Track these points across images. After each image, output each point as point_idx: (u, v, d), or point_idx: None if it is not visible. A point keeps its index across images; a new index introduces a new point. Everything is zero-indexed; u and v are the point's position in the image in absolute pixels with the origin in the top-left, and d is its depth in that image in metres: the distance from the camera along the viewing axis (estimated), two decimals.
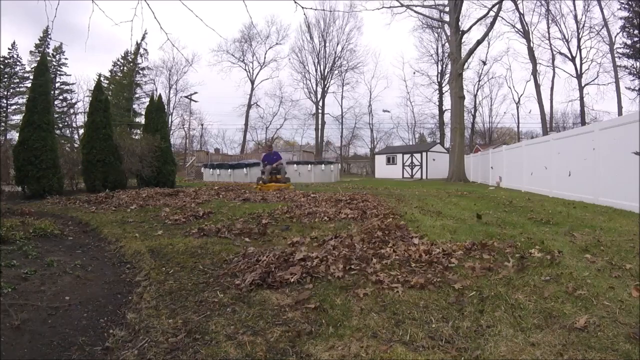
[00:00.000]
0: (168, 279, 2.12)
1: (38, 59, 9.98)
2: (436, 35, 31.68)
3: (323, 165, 18.68)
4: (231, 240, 3.08)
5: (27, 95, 8.57)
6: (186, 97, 32.53)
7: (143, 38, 32.70)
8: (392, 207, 5.10)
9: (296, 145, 41.78)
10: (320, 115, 35.39)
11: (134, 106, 33.35)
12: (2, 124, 29.42)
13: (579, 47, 26.26)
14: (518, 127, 35.27)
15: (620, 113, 22.06)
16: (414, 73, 33.70)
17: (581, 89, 26.55)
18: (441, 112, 33.24)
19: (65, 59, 31.95)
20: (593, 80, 26.36)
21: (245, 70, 37.76)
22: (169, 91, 36.85)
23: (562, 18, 27.02)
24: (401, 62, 71.64)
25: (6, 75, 29.56)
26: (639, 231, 3.59)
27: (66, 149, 9.78)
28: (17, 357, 1.33)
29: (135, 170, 9.16)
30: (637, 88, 23.05)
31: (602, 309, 1.72)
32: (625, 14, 22.41)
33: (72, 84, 33.45)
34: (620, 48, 23.22)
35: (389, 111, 34.51)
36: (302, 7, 3.53)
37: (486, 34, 16.26)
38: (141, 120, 26.09)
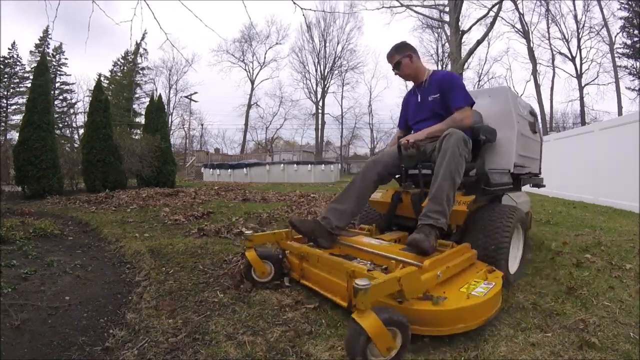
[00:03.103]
0: (168, 279, 2.12)
1: (38, 59, 9.96)
2: (436, 35, 31.65)
3: (323, 165, 18.69)
4: (231, 240, 3.08)
5: (27, 95, 8.56)
6: (186, 97, 32.53)
7: (143, 38, 32.73)
8: None
9: (296, 145, 41.80)
10: (320, 115, 35.38)
11: (134, 106, 33.36)
12: (2, 124, 29.41)
13: (579, 47, 26.27)
14: None
15: (620, 113, 22.06)
16: None
17: (581, 89, 26.56)
18: None
19: (65, 59, 31.98)
20: (593, 80, 26.38)
21: (245, 70, 37.80)
22: (169, 91, 36.87)
23: (562, 18, 27.08)
24: None
25: (6, 75, 29.55)
26: (639, 231, 3.59)
27: (66, 149, 9.78)
28: (17, 357, 1.33)
29: (135, 170, 9.16)
30: (637, 88, 23.04)
31: (602, 309, 1.72)
32: (625, 14, 22.41)
33: (72, 84, 33.52)
34: (620, 48, 23.22)
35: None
36: (302, 8, 3.53)
37: (486, 34, 16.25)
38: (141, 120, 26.09)
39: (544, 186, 3.18)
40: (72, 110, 32.54)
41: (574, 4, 26.53)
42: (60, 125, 30.48)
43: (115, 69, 34.13)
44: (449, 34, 16.42)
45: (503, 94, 2.51)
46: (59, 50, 31.20)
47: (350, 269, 1.50)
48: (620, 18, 22.84)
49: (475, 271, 1.74)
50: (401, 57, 2.26)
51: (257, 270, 1.96)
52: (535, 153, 2.92)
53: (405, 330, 1.22)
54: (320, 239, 1.87)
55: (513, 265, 2.06)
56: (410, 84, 2.46)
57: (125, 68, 34.18)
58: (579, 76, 26.63)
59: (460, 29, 15.84)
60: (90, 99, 9.03)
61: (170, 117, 34.88)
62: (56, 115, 27.30)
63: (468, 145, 1.87)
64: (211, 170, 20.11)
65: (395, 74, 2.34)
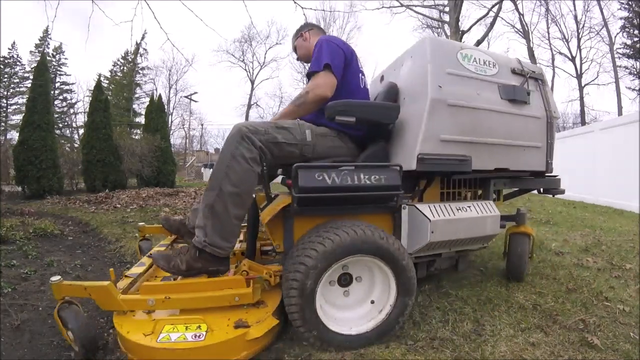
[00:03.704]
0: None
1: (38, 59, 9.95)
2: (436, 35, 31.66)
3: None
4: None
5: (27, 95, 8.55)
6: (186, 97, 32.55)
7: (143, 38, 32.70)
8: None
9: None
10: None
11: (134, 106, 33.30)
12: (2, 124, 29.41)
13: (579, 47, 26.26)
14: None
15: (620, 113, 22.05)
16: None
17: (581, 89, 26.55)
18: None
19: (65, 58, 31.97)
20: (593, 80, 26.35)
21: (245, 70, 37.77)
22: (169, 91, 36.78)
23: (562, 18, 27.12)
24: None
25: (6, 75, 29.55)
26: (639, 231, 3.59)
27: (66, 149, 9.77)
28: (17, 357, 1.33)
29: (135, 170, 9.15)
30: (637, 88, 23.05)
31: (602, 309, 1.72)
32: (625, 14, 22.42)
33: (72, 84, 33.51)
34: (620, 48, 23.22)
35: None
36: (302, 7, 3.54)
37: (486, 34, 16.25)
38: (141, 120, 26.07)
39: (562, 192, 2.12)
40: (72, 110, 32.52)
41: (574, 4, 26.56)
42: (60, 125, 30.44)
43: (115, 69, 34.14)
44: (449, 34, 16.42)
45: (420, 50, 1.66)
46: (59, 50, 31.21)
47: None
48: (620, 18, 22.85)
49: (233, 314, 1.36)
50: (295, 40, 1.97)
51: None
52: (523, 136, 1.79)
53: (77, 337, 1.26)
54: (187, 237, 1.88)
55: (353, 324, 1.42)
56: None
57: (125, 68, 34.17)
58: (579, 76, 26.64)
59: (460, 29, 15.83)
60: (90, 99, 9.03)
61: (170, 117, 34.84)
62: (56, 115, 27.24)
63: (252, 139, 1.40)
64: (211, 170, 20.11)
65: (297, 59, 2.06)
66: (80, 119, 31.06)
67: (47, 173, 7.33)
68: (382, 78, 2.11)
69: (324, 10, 20.88)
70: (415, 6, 17.43)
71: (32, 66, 25.43)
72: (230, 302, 1.37)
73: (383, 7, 17.14)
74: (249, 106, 37.55)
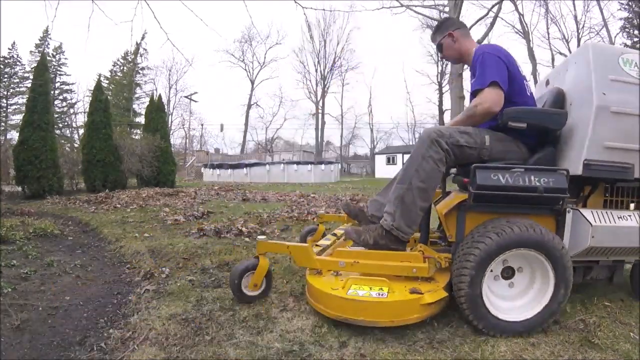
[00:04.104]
0: (168, 279, 2.12)
1: (38, 59, 9.94)
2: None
3: (323, 165, 18.71)
4: (231, 240, 3.08)
5: (27, 95, 8.55)
6: (186, 97, 32.59)
7: (143, 38, 32.70)
8: None
9: (296, 145, 41.81)
10: (320, 115, 35.42)
11: (134, 106, 33.34)
12: (2, 124, 29.41)
13: (578, 47, 26.29)
14: None
15: None
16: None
17: None
18: (441, 112, 33.21)
19: (65, 58, 31.99)
20: None
21: (245, 70, 37.83)
22: (169, 91, 36.83)
23: (562, 18, 27.11)
24: (401, 62, 71.85)
25: (6, 75, 29.55)
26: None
27: (66, 149, 9.79)
28: (17, 357, 1.33)
29: (135, 170, 9.16)
30: None
31: (602, 309, 1.72)
32: (625, 14, 22.44)
33: (72, 84, 33.49)
34: None
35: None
36: (302, 7, 3.54)
37: (486, 34, 16.21)
38: (141, 120, 26.07)
39: None
40: (72, 110, 32.53)
41: (573, 4, 26.49)
42: (60, 125, 30.44)
43: (115, 69, 34.15)
44: None
45: (583, 56, 1.73)
46: (59, 50, 31.21)
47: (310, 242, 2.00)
48: (620, 18, 22.87)
49: (409, 283, 1.57)
50: (442, 37, 1.99)
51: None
52: None
53: (269, 283, 1.81)
54: (364, 223, 2.08)
55: (514, 312, 1.53)
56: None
57: (125, 68, 34.18)
58: None
59: None
60: (90, 99, 9.04)
61: (170, 117, 34.84)
62: (56, 115, 27.19)
63: (440, 142, 1.59)
64: (211, 170, 20.13)
65: (441, 57, 2.16)
66: (80, 119, 31.06)
67: (47, 173, 7.33)
68: (547, 82, 2.20)
69: (324, 10, 20.81)
70: (416, 6, 17.37)
71: (32, 66, 25.39)
72: (408, 273, 1.60)
73: (383, 7, 17.08)
74: (249, 106, 37.59)
